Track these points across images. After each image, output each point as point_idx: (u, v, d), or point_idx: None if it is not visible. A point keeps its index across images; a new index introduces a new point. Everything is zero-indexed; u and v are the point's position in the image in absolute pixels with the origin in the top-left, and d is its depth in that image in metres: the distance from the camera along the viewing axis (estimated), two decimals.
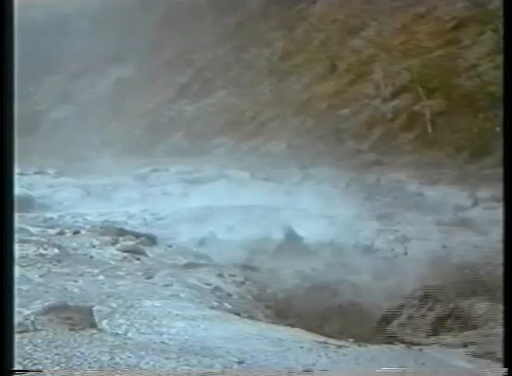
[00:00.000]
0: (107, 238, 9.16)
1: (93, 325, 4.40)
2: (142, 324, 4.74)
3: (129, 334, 4.46)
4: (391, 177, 15.70)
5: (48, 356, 3.60)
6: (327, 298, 7.06)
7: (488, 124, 15.01)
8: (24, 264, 6.85)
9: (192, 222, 11.39)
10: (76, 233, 9.91)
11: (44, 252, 7.63)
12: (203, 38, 36.55)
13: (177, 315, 5.17)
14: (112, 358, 3.65)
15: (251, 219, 11.05)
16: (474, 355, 4.57)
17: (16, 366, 3.18)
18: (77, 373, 3.31)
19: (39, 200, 15.80)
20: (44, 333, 4.07)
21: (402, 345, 5.02)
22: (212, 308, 5.88)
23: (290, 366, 3.79)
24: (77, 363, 3.50)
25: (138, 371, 3.45)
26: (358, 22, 27.24)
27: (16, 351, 3.46)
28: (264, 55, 33.31)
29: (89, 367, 3.45)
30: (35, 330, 4.15)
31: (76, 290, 5.91)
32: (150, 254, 8.51)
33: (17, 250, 7.17)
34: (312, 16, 33.03)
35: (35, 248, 7.71)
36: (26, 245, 7.76)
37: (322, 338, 4.96)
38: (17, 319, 4.25)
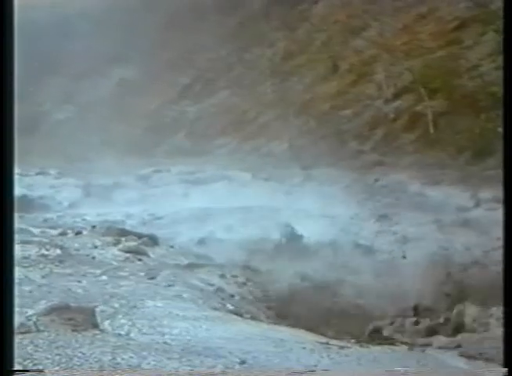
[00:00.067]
0: (109, 239, 9.18)
1: (95, 326, 4.40)
2: (144, 325, 4.74)
3: (131, 335, 4.46)
4: (393, 178, 15.69)
5: (49, 357, 3.60)
6: (327, 299, 7.07)
7: (490, 125, 14.99)
8: (26, 265, 6.85)
9: (194, 222, 11.41)
10: (78, 233, 9.93)
11: (46, 253, 7.64)
12: (205, 39, 36.57)
13: (177, 315, 5.17)
14: (113, 358, 3.65)
15: (252, 220, 11.07)
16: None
17: (17, 367, 3.18)
18: (77, 373, 3.31)
19: (40, 201, 15.83)
20: (46, 334, 4.07)
21: (404, 346, 5.02)
22: (214, 309, 5.88)
23: (291, 367, 3.79)
24: (78, 364, 3.50)
25: (139, 371, 3.45)
26: (359, 22, 27.22)
27: (18, 352, 3.46)
28: (266, 55, 33.32)
29: (90, 368, 3.44)
30: (37, 331, 4.15)
31: (78, 290, 5.91)
32: (152, 255, 8.52)
33: (19, 250, 7.19)
34: (314, 16, 33.03)
35: (37, 249, 7.72)
36: (28, 246, 7.78)
37: (324, 339, 4.96)
38: (19, 320, 4.25)
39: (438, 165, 15.64)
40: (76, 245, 8.69)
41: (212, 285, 7.01)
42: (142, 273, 7.12)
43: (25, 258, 7.15)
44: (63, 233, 9.88)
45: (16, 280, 5.57)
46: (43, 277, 6.42)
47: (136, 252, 8.34)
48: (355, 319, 6.50)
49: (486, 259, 7.91)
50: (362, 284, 7.45)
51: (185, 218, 11.93)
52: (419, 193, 13.88)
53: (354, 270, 8.03)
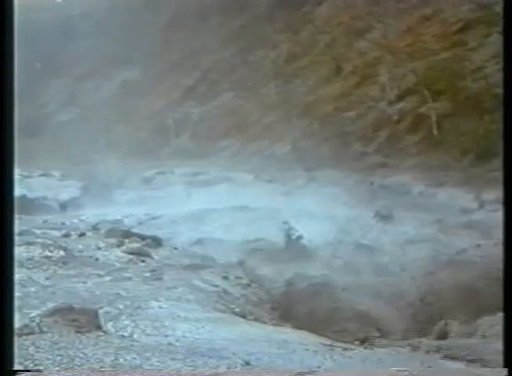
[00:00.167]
0: (113, 240, 9.17)
1: (99, 327, 4.39)
2: (148, 326, 4.73)
3: (135, 336, 4.45)
4: (397, 179, 15.67)
5: (50, 357, 3.60)
6: (327, 299, 7.06)
7: (494, 127, 14.94)
8: (30, 266, 6.85)
9: (195, 222, 11.40)
10: (81, 235, 9.93)
11: (49, 254, 7.63)
12: (209, 41, 36.62)
13: (179, 316, 5.16)
14: (116, 359, 3.64)
15: (254, 221, 11.05)
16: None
17: (17, 367, 3.17)
18: (78, 373, 3.30)
19: (42, 202, 15.84)
20: (49, 335, 4.07)
21: (408, 348, 5.01)
22: (218, 310, 5.87)
23: (294, 368, 3.77)
24: (79, 364, 3.50)
25: (140, 371, 3.44)
26: (363, 24, 27.21)
27: (20, 352, 3.46)
28: (269, 57, 33.35)
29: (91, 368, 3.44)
30: (41, 332, 4.14)
31: (82, 292, 5.91)
32: (155, 256, 8.50)
33: (23, 252, 7.19)
34: (318, 18, 33.05)
35: (41, 250, 7.71)
36: (31, 247, 7.76)
37: (328, 341, 4.95)
38: (23, 321, 4.25)
39: (441, 167, 15.61)
40: (79, 247, 8.68)
41: (216, 286, 7.00)
42: (148, 274, 7.10)
43: (29, 259, 7.14)
44: (67, 235, 9.88)
45: (20, 282, 5.58)
46: (47, 279, 6.41)
47: (139, 254, 8.32)
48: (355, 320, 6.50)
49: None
50: (361, 285, 7.44)
51: (187, 219, 11.91)
52: (422, 194, 13.87)
53: (354, 271, 8.03)
